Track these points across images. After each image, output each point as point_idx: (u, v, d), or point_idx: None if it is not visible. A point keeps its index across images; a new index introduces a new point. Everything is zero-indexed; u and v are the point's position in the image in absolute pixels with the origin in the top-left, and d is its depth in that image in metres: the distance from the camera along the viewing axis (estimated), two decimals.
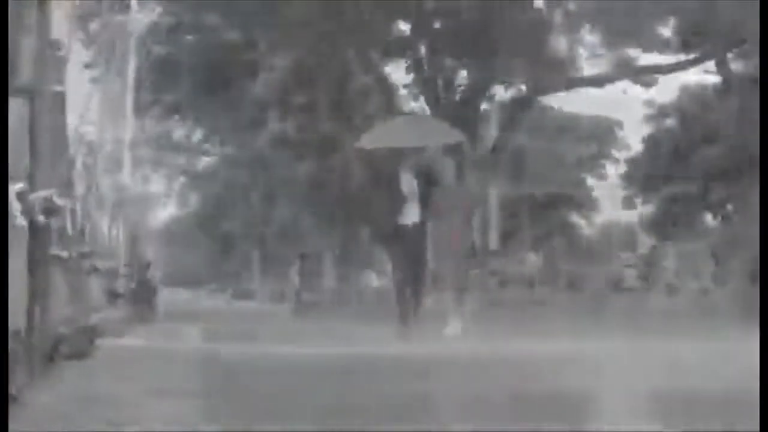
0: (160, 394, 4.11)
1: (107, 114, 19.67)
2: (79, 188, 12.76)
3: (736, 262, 18.81)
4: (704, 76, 25.89)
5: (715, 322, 13.22)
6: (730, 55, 22.99)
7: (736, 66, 23.87)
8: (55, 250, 8.48)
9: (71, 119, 10.88)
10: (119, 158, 20.21)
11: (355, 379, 6.29)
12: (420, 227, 11.70)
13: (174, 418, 3.56)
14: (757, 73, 19.99)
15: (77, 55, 15.61)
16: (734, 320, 12.57)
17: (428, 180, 11.88)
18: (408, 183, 11.81)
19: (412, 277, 11.78)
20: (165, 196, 47.63)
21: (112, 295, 14.83)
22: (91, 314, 11.10)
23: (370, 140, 13.73)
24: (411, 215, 11.63)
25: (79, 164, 12.97)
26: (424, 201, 11.69)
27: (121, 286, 15.99)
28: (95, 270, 12.39)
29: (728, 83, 23.03)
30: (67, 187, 8.90)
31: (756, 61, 21.64)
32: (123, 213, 18.75)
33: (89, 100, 13.25)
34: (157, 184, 42.64)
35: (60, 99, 8.57)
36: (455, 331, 10.94)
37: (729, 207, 30.95)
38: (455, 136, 14.47)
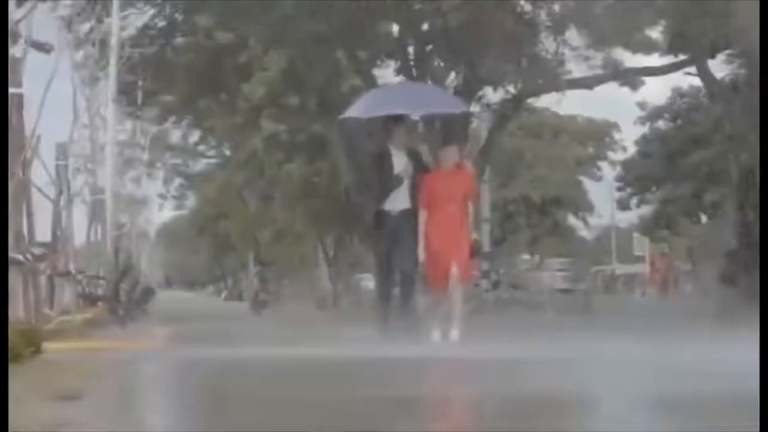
0: (56, 399, 4.10)
1: (91, 116, 19.65)
2: (51, 191, 12.77)
3: (709, 264, 18.74)
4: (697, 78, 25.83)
5: (688, 324, 13.20)
6: (720, 59, 23.00)
7: (726, 70, 23.89)
8: (10, 253, 8.49)
9: (42, 121, 10.83)
10: (100, 160, 20.14)
11: (299, 381, 6.16)
12: (409, 216, 10.20)
13: (43, 421, 3.55)
14: (738, 78, 20.06)
15: (64, 56, 15.52)
16: (705, 321, 12.57)
17: (420, 160, 10.46)
18: (400, 162, 10.34)
19: (400, 274, 10.41)
20: (161, 197, 47.64)
21: (89, 298, 14.79)
22: (59, 316, 11.11)
23: (360, 109, 11.44)
24: (400, 200, 10.24)
25: (51, 167, 12.97)
26: (416, 185, 10.21)
27: (100, 288, 15.92)
28: (68, 273, 12.37)
29: (709, 88, 23.01)
30: (24, 188, 8.86)
31: (737, 65, 21.70)
32: (102, 215, 18.65)
33: (53, 100, 13.06)
34: (147, 186, 42.58)
35: (17, 100, 8.57)
36: (449, 336, 9.66)
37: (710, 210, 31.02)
38: (458, 105, 12.48)
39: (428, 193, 10.05)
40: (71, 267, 13.40)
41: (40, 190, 12.18)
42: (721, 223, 20.77)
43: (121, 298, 17.41)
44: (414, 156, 10.45)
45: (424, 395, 5.19)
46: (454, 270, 9.77)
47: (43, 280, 11.45)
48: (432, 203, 10.01)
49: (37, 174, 11.55)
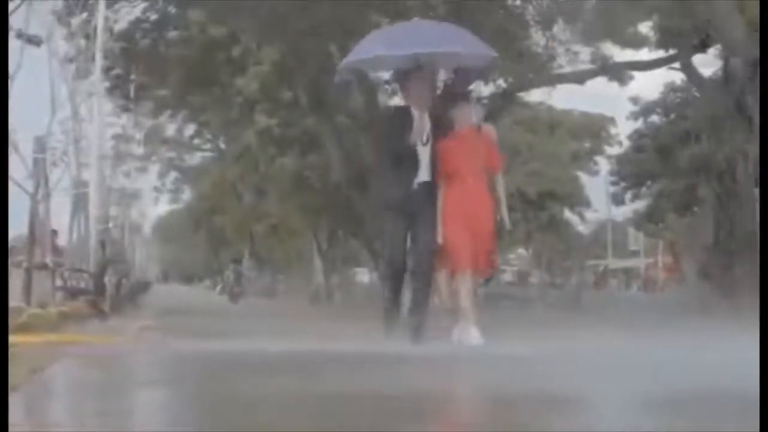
0: None
1: (74, 108, 19.61)
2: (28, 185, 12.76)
3: (690, 259, 18.73)
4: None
5: (666, 319, 13.21)
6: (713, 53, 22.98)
7: (718, 65, 23.82)
8: None
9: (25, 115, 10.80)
10: (85, 153, 20.14)
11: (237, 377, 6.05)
12: (429, 191, 8.63)
13: None
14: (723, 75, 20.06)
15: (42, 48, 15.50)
16: (682, 317, 12.57)
17: (442, 123, 8.68)
18: (420, 121, 8.61)
19: (413, 260, 8.68)
20: (156, 191, 47.64)
21: (70, 291, 14.76)
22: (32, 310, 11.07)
23: (362, 51, 9.28)
24: (420, 172, 8.60)
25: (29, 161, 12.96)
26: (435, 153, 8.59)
27: (83, 282, 15.87)
28: (45, 266, 12.35)
29: (693, 83, 23.00)
30: None
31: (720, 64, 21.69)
32: (85, 209, 18.62)
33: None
34: (143, 180, 42.60)
35: None
36: (467, 335, 8.33)
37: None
38: (486, 49, 9.68)
39: (442, 162, 8.58)
40: (48, 260, 13.40)
41: (17, 183, 12.21)
42: (704, 218, 20.82)
43: (106, 291, 17.38)
44: (437, 118, 8.73)
45: (415, 393, 5.05)
46: (471, 257, 8.43)
47: (18, 273, 11.44)
48: (446, 175, 8.59)
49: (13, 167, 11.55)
